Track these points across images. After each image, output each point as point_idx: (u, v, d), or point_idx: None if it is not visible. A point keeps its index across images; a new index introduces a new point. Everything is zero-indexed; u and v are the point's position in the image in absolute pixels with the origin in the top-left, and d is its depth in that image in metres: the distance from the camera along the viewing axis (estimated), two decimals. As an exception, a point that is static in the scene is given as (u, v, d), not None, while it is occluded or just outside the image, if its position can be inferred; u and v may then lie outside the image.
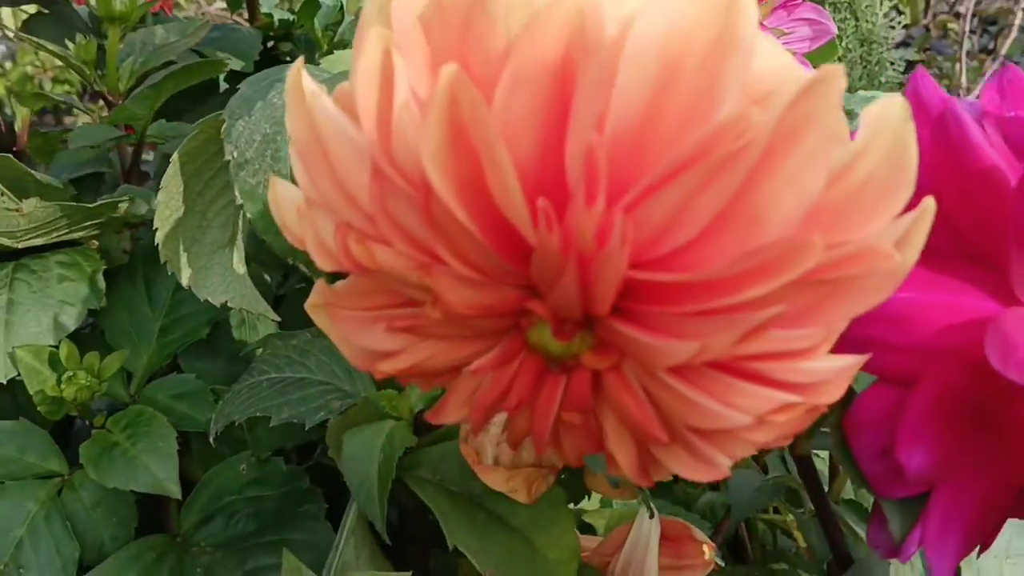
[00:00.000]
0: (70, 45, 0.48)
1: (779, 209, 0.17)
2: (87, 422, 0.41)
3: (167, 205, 0.36)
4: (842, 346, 0.20)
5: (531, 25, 0.17)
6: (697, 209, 0.17)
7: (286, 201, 0.22)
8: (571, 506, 0.48)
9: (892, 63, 1.50)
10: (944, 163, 0.22)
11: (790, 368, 0.19)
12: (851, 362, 0.20)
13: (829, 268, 0.17)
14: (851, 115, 0.85)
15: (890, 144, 0.18)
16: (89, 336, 0.47)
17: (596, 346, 0.20)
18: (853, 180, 0.18)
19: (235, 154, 0.32)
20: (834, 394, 0.20)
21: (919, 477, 0.21)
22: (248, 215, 0.32)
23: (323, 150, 0.20)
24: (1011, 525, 0.24)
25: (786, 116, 0.16)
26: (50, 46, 0.47)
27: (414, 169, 0.18)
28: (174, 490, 0.37)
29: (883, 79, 1.53)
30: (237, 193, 0.32)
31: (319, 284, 0.23)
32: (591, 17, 0.17)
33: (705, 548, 0.40)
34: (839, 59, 1.47)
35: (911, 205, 0.21)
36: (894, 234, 0.18)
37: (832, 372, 0.20)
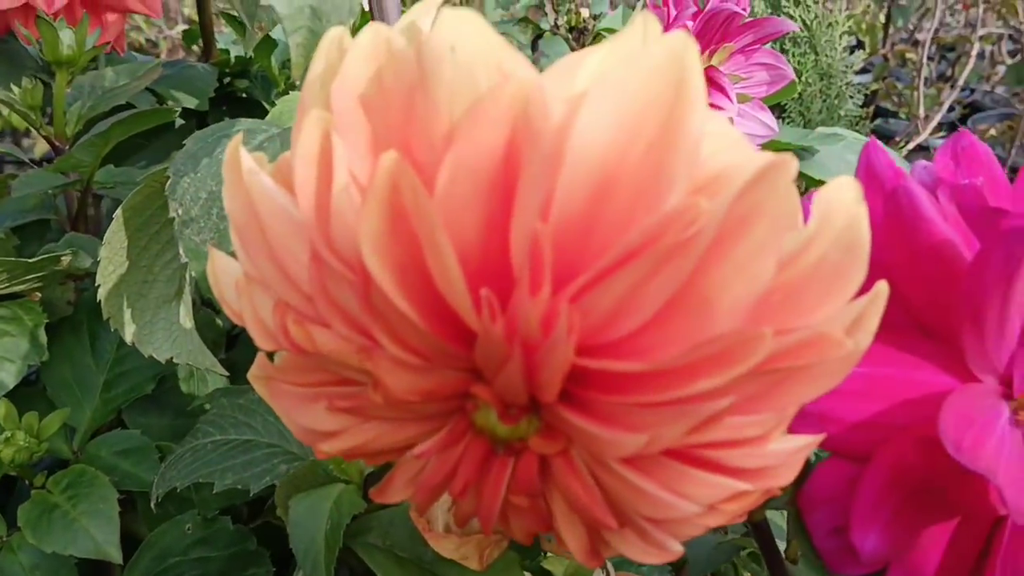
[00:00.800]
0: (15, 89, 0.47)
1: (729, 297, 0.17)
2: (26, 482, 0.40)
3: (110, 260, 0.35)
4: (795, 420, 0.20)
5: (474, 110, 0.16)
6: (645, 297, 0.17)
7: (224, 275, 0.22)
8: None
9: (852, 96, 1.52)
10: (897, 237, 0.22)
11: (743, 454, 0.19)
12: (804, 443, 0.20)
13: (781, 357, 0.17)
14: (811, 151, 0.86)
15: (842, 228, 0.18)
16: (30, 390, 0.46)
17: (544, 430, 0.19)
18: (805, 263, 0.18)
19: (180, 212, 0.31)
20: (787, 477, 0.20)
21: (874, 558, 0.21)
22: (193, 273, 0.31)
23: (261, 228, 0.19)
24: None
25: (735, 205, 0.16)
26: (-6, 93, 0.46)
27: (353, 253, 0.17)
28: (115, 555, 0.36)
29: (842, 112, 1.55)
30: (182, 251, 0.31)
31: (260, 357, 0.23)
32: (535, 103, 0.16)
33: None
34: (799, 94, 1.49)
35: (866, 281, 0.20)
36: (848, 317, 0.18)
37: (785, 454, 0.19)
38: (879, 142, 0.23)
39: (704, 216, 0.16)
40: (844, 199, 0.18)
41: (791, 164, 0.16)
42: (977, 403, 0.21)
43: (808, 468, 0.24)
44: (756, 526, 0.29)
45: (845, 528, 0.22)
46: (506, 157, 0.16)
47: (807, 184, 1.09)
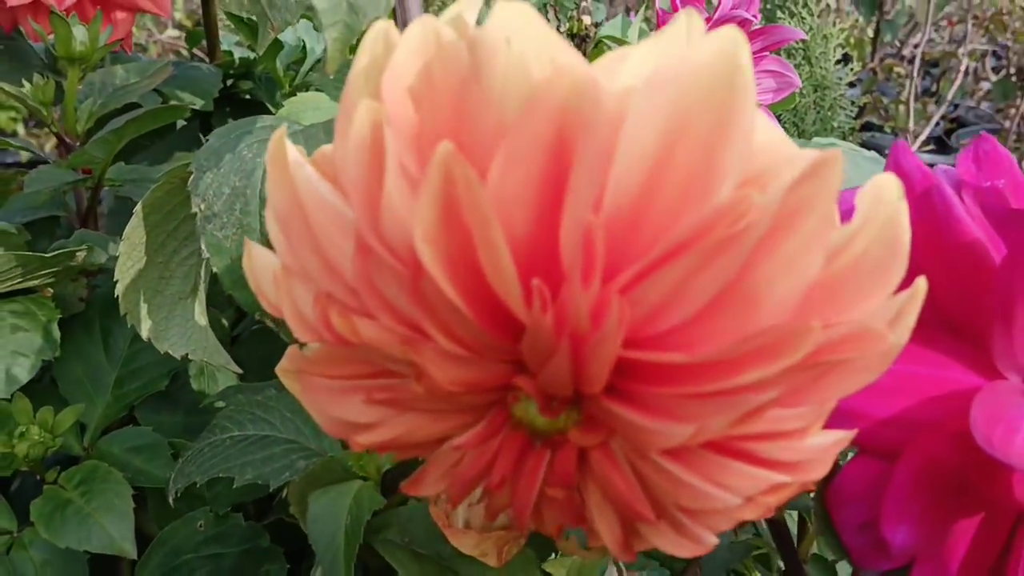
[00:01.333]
0: (26, 84, 0.47)
1: (777, 291, 0.17)
2: (39, 477, 0.40)
3: (129, 256, 0.35)
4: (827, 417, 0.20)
5: (529, 102, 0.16)
6: (695, 290, 0.17)
7: (262, 267, 0.22)
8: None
9: (844, 108, 1.53)
10: (928, 237, 0.22)
11: (783, 447, 0.19)
12: (839, 437, 0.20)
13: (826, 351, 0.17)
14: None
15: (884, 223, 0.18)
16: (42, 386, 0.46)
17: (583, 423, 0.19)
18: (849, 258, 0.18)
19: (203, 207, 0.31)
20: (822, 471, 0.20)
21: (904, 552, 0.21)
22: (215, 269, 0.31)
23: (305, 220, 0.19)
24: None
25: (787, 199, 0.16)
26: (6, 87, 0.45)
27: (403, 245, 0.17)
28: (129, 550, 0.36)
29: (835, 124, 1.56)
30: (204, 247, 0.31)
31: (291, 349, 0.23)
32: (589, 96, 0.16)
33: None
34: (794, 106, 1.50)
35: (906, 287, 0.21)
36: (888, 313, 0.18)
37: (821, 449, 0.20)
38: (907, 145, 0.23)
39: (756, 210, 0.16)
40: (886, 196, 0.18)
41: (840, 159, 0.16)
42: (1005, 399, 0.21)
43: (835, 467, 0.24)
44: (774, 523, 0.29)
45: (873, 523, 0.22)
46: (559, 149, 0.17)
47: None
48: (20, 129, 1.78)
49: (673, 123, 0.17)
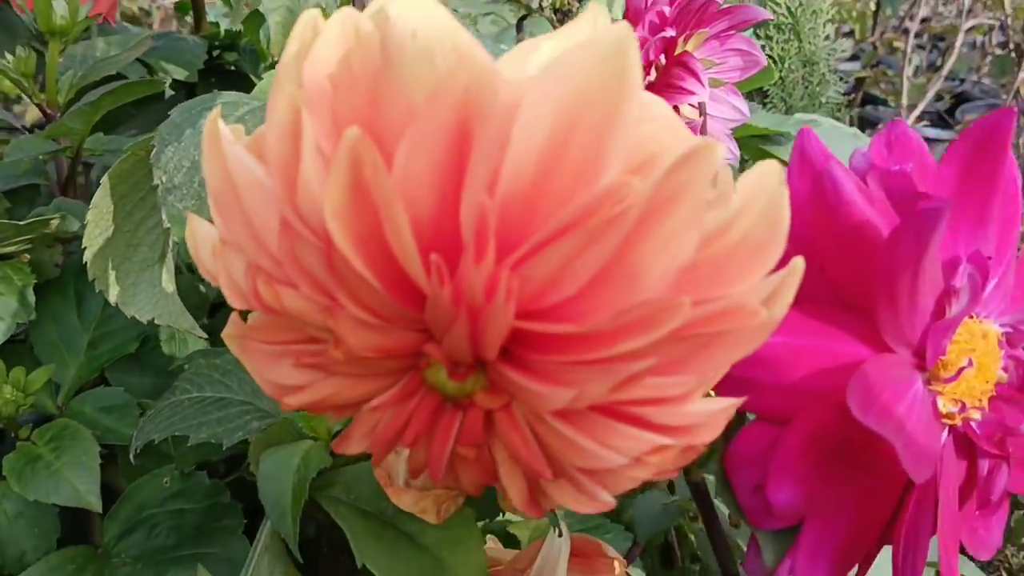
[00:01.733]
0: (8, 56, 0.49)
1: (655, 268, 0.18)
2: (12, 434, 0.42)
3: (96, 224, 0.37)
4: (723, 384, 0.22)
5: (432, 93, 0.18)
6: (579, 267, 0.18)
7: (202, 239, 0.23)
8: (497, 519, 0.49)
9: (835, 83, 1.54)
10: (822, 216, 0.24)
11: (666, 412, 0.20)
12: (725, 405, 0.22)
13: (700, 324, 0.19)
14: (788, 137, 0.87)
15: (764, 206, 0.20)
16: (17, 347, 0.47)
17: (488, 387, 0.21)
18: (730, 239, 0.20)
19: (164, 179, 0.33)
20: (709, 435, 0.22)
21: (786, 512, 0.23)
22: (175, 238, 0.33)
23: (236, 195, 0.21)
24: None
25: (662, 185, 0.18)
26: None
27: (318, 221, 0.19)
28: (95, 504, 0.38)
29: (824, 99, 1.56)
30: (164, 217, 0.33)
31: (233, 316, 0.24)
32: (486, 87, 0.18)
33: (616, 564, 0.41)
34: (781, 79, 1.50)
35: (788, 255, 0.22)
36: (766, 289, 0.20)
37: (707, 415, 0.21)
38: (813, 131, 0.25)
39: (633, 195, 0.18)
40: (768, 180, 0.20)
41: (714, 148, 0.18)
42: (890, 372, 0.23)
43: (736, 432, 0.26)
44: (695, 486, 0.31)
45: (762, 486, 0.24)
46: (459, 136, 0.18)
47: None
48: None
49: (562, 115, 0.18)
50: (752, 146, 0.83)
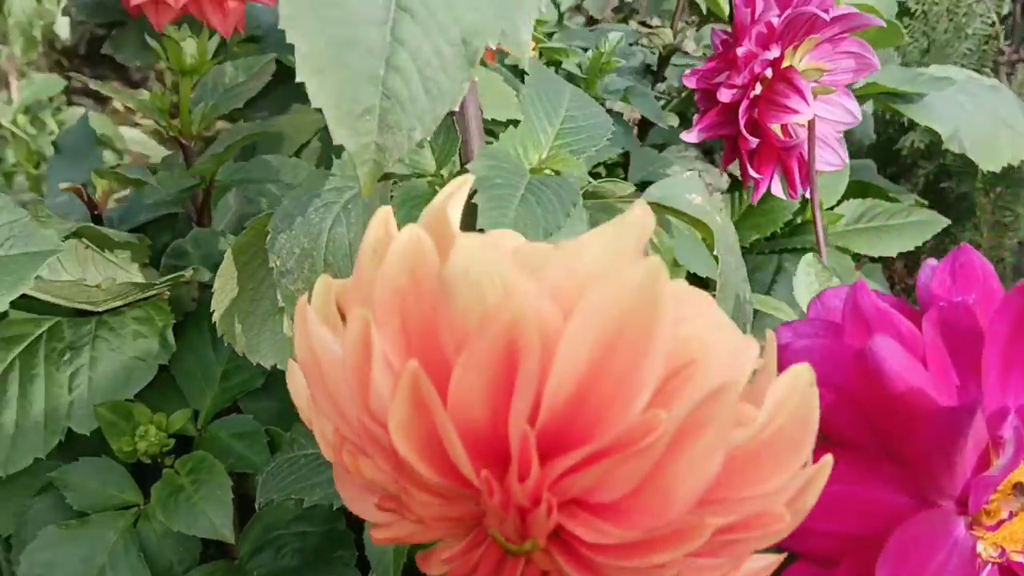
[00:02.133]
0: (145, 93, 0.52)
1: (684, 486, 0.20)
2: (158, 460, 0.47)
3: (222, 289, 0.41)
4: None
5: (480, 323, 0.20)
6: (615, 483, 0.20)
7: (299, 387, 0.26)
8: None
9: (981, 15, 1.45)
10: (869, 384, 0.25)
11: (704, 586, 0.22)
12: (766, 563, 0.24)
13: (726, 532, 0.21)
14: (916, 97, 0.83)
15: (797, 406, 0.21)
16: (161, 375, 0.52)
17: (544, 550, 0.23)
18: (763, 439, 0.21)
19: (278, 263, 0.36)
20: (751, 593, 0.24)
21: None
22: (289, 319, 0.36)
23: (320, 373, 0.24)
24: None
25: (690, 417, 0.20)
26: (127, 100, 0.51)
27: (387, 420, 0.21)
28: (228, 536, 0.42)
29: (970, 31, 1.48)
30: (280, 296, 0.36)
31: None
32: (528, 322, 0.20)
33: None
34: (923, 11, 1.43)
35: (844, 413, 0.24)
36: (799, 482, 0.22)
37: (752, 572, 0.23)
38: (866, 285, 0.26)
39: (664, 424, 0.20)
40: (798, 384, 0.21)
41: (734, 387, 0.20)
42: (924, 530, 0.24)
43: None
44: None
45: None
46: (507, 359, 0.20)
47: (917, 129, 1.05)
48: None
49: (599, 343, 0.20)
50: (882, 101, 0.80)
